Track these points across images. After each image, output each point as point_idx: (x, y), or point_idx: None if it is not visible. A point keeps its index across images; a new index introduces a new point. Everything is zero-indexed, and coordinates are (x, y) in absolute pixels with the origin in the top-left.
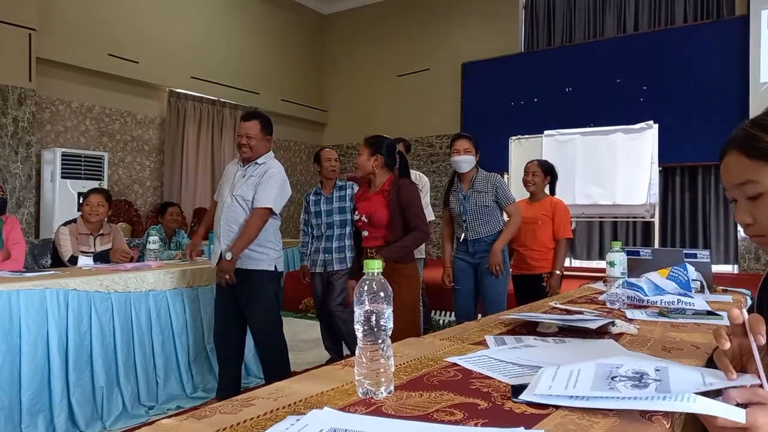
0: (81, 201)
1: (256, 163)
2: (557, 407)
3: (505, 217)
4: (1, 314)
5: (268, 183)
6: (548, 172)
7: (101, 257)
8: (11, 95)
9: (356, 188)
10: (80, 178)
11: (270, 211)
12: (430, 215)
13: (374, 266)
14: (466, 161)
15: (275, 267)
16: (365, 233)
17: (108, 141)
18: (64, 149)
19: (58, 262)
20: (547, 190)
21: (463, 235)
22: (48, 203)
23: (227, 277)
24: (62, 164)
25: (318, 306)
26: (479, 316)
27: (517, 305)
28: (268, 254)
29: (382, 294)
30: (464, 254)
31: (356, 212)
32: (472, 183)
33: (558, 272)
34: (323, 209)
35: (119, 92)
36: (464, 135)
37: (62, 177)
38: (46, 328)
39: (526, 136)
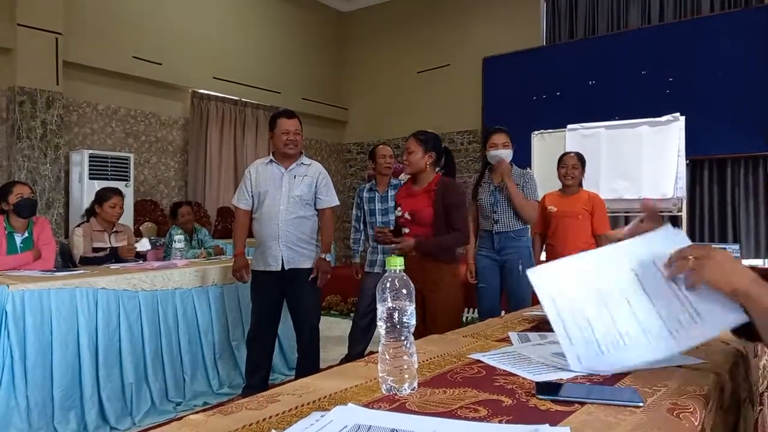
0: (98, 200)
1: (302, 163)
2: (582, 404)
3: None
4: (33, 313)
5: (330, 183)
6: (584, 164)
7: (115, 253)
8: (40, 99)
9: None
10: (107, 179)
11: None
12: None
13: (396, 263)
14: (505, 154)
15: None
16: (406, 230)
17: (133, 142)
18: (91, 151)
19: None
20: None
21: (493, 227)
22: (76, 204)
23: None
24: (90, 165)
25: (364, 307)
26: (503, 313)
27: None
28: (316, 252)
29: (404, 291)
30: (488, 251)
31: (398, 208)
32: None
33: None
34: (378, 207)
35: (143, 94)
36: (501, 129)
37: (90, 178)
38: (77, 326)
39: (549, 130)
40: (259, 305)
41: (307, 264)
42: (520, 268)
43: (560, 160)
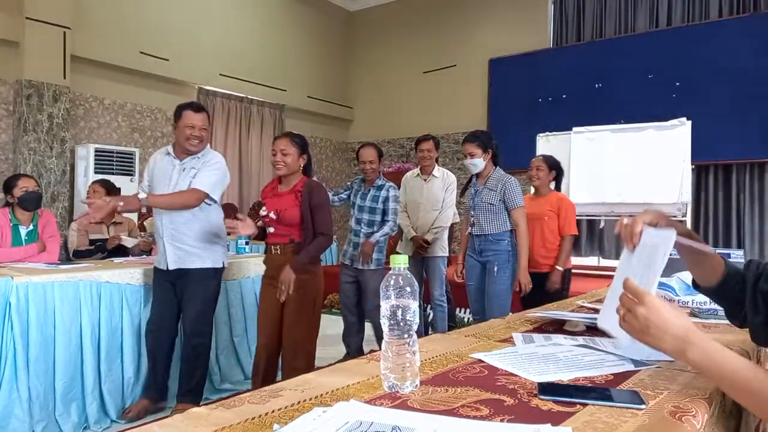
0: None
1: (197, 156)
2: (585, 405)
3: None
4: (37, 305)
5: (209, 169)
6: (553, 167)
7: (103, 246)
8: (47, 92)
9: (392, 192)
10: (112, 173)
11: (206, 197)
12: (453, 216)
13: (401, 261)
14: (472, 164)
15: (222, 263)
16: (271, 229)
17: (139, 137)
18: (97, 145)
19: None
20: (552, 186)
21: (472, 229)
22: (81, 198)
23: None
24: (95, 160)
25: (344, 299)
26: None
27: (521, 304)
28: (215, 250)
29: (408, 289)
30: (472, 251)
31: (263, 209)
32: (485, 180)
33: (560, 268)
34: (358, 203)
35: (150, 89)
36: (469, 138)
37: (95, 172)
38: (80, 319)
39: (555, 132)
40: (153, 303)
41: (199, 264)
42: (496, 270)
43: (530, 163)
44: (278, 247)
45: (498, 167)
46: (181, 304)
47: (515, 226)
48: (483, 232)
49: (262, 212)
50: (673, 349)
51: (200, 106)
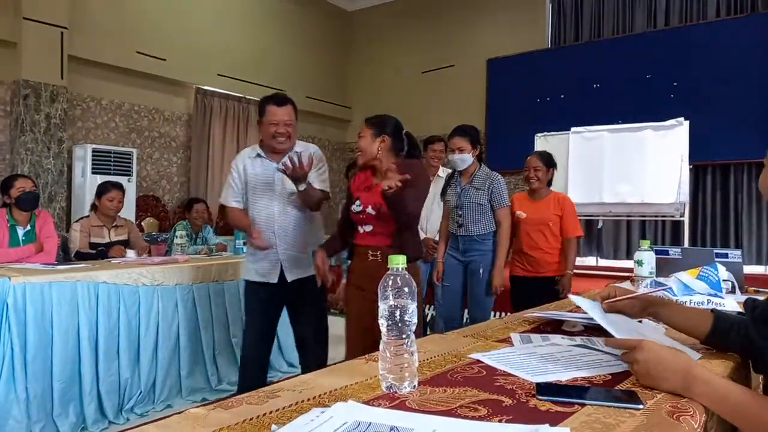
0: (98, 194)
1: (295, 151)
2: (583, 405)
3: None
4: (34, 306)
5: (326, 167)
6: (550, 164)
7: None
8: (44, 92)
9: None
10: (110, 174)
11: (328, 197)
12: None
13: (398, 261)
14: (460, 159)
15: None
16: (367, 227)
17: (136, 137)
18: (94, 145)
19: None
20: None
21: (457, 230)
22: (79, 198)
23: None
24: (93, 160)
25: None
26: (466, 313)
27: (516, 308)
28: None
29: (406, 289)
30: (455, 251)
31: (357, 202)
32: (471, 178)
33: (570, 272)
34: None
35: (147, 89)
36: (458, 132)
37: (93, 172)
38: (77, 320)
39: (553, 132)
40: (258, 321)
41: (311, 272)
42: (481, 271)
43: (525, 162)
44: (377, 252)
45: (483, 165)
46: (299, 313)
47: (498, 225)
48: (469, 233)
49: (356, 208)
50: (676, 387)
51: (284, 98)
